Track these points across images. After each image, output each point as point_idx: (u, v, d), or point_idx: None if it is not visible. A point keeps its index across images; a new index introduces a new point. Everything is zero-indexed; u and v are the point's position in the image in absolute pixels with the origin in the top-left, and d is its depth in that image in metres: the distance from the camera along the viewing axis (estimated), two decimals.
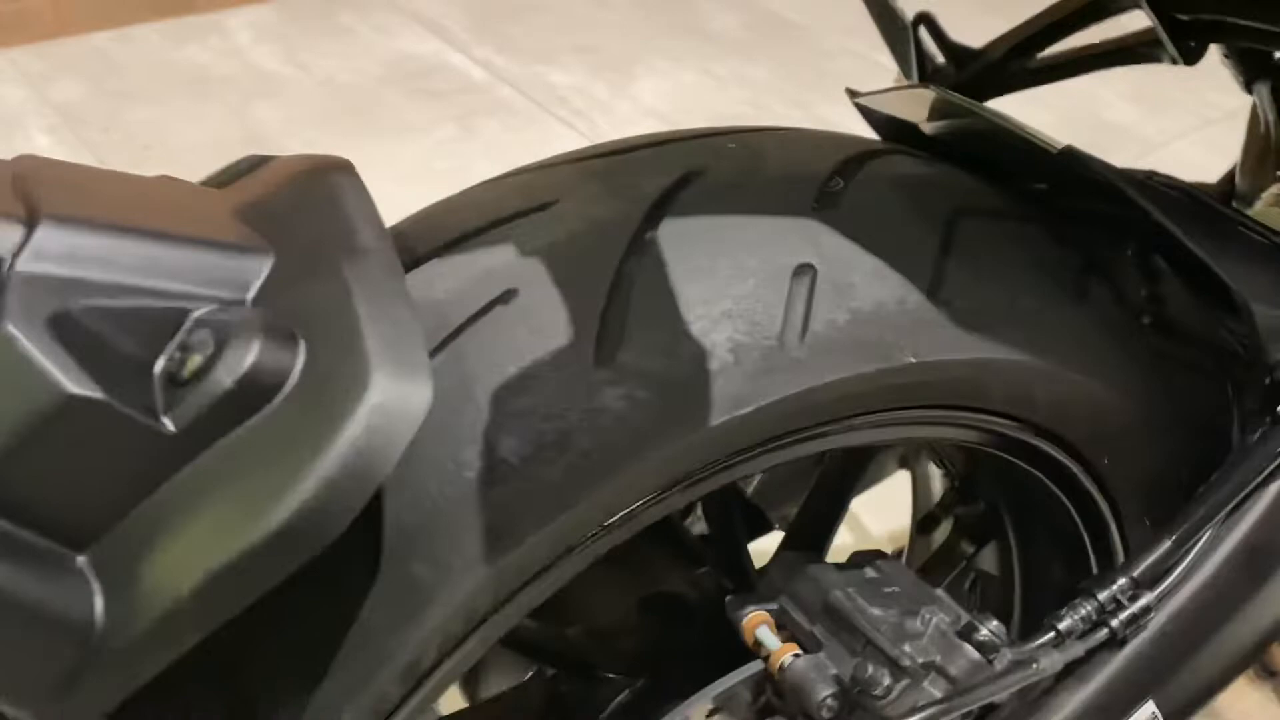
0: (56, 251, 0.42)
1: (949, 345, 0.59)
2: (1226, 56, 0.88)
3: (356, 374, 0.42)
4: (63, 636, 0.40)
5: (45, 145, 2.15)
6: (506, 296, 0.53)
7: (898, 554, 0.97)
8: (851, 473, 0.79)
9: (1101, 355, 0.68)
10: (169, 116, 2.27)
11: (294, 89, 2.42)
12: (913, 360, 0.57)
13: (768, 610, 0.67)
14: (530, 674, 0.76)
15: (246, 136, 2.23)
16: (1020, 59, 0.93)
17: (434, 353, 0.51)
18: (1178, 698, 0.72)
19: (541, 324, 0.52)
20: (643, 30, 2.78)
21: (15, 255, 0.41)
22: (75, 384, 0.40)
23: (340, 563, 0.48)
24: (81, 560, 0.42)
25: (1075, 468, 0.71)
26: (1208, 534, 0.70)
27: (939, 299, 0.59)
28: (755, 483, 0.94)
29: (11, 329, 0.39)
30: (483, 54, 2.62)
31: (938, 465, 0.89)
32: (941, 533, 0.95)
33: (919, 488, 0.98)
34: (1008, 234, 0.65)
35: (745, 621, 0.66)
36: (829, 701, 0.61)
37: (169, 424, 0.42)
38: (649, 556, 0.84)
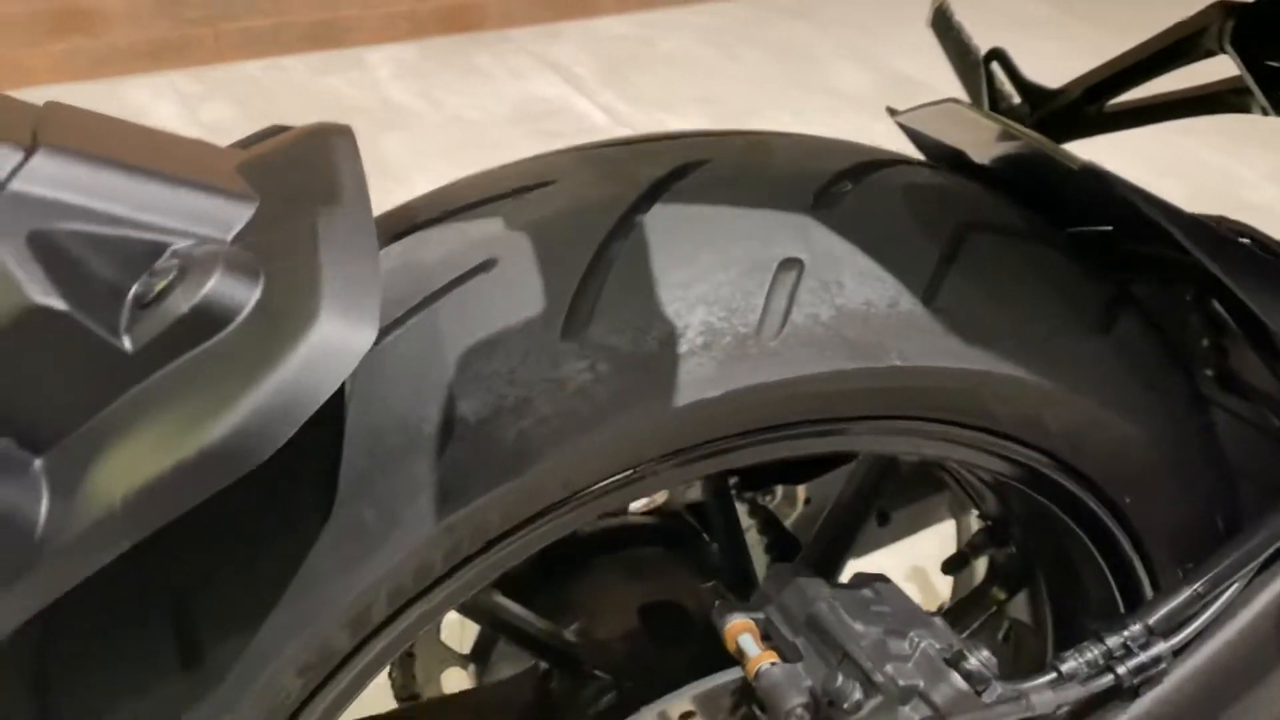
0: (48, 177, 0.45)
1: (939, 353, 0.57)
2: None
3: (306, 311, 0.44)
4: (8, 531, 0.43)
5: None
6: (487, 265, 0.54)
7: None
8: (870, 495, 0.77)
9: (1123, 389, 0.65)
10: None
11: (423, 123, 2.52)
12: (898, 363, 0.56)
13: (753, 619, 0.65)
14: (525, 668, 0.76)
15: (371, 163, 2.33)
16: (1098, 101, 0.90)
17: (411, 313, 0.53)
18: None
19: (517, 294, 0.53)
20: (769, 85, 2.81)
21: (9, 177, 0.44)
22: (42, 295, 0.43)
23: (292, 499, 0.50)
24: (38, 464, 0.44)
25: (1096, 505, 0.68)
26: (1234, 587, 0.65)
27: (934, 306, 0.57)
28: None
29: None
30: (606, 99, 2.69)
31: (967, 503, 0.86)
32: (973, 577, 0.91)
33: (963, 536, 0.94)
34: (1025, 256, 0.63)
35: (728, 628, 0.65)
36: (798, 711, 0.59)
37: (127, 343, 0.44)
38: (660, 565, 0.83)
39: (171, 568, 0.50)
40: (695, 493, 0.94)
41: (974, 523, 0.88)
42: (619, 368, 0.52)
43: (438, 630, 0.89)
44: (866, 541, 0.90)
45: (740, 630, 0.65)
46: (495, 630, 0.74)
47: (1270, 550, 0.65)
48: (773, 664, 0.62)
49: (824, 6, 3.26)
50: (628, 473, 0.55)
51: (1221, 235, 0.72)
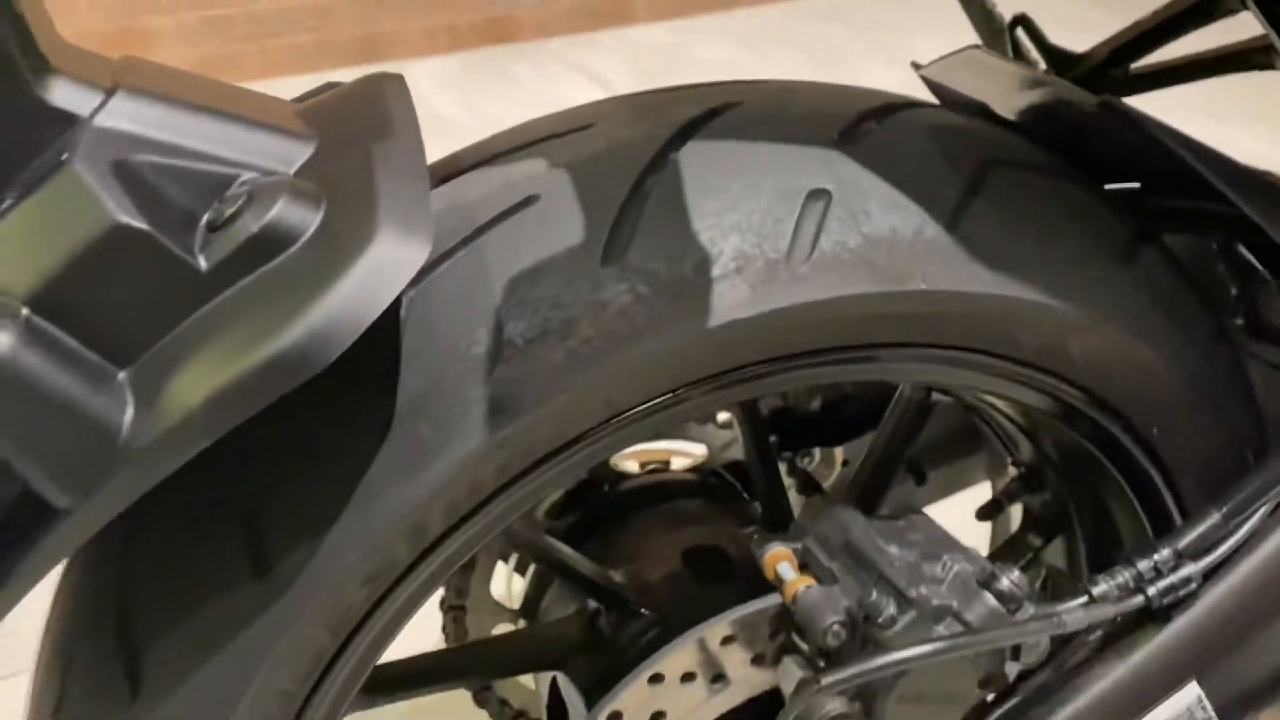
0: (128, 114, 0.49)
1: (964, 278, 0.60)
2: None
3: (364, 231, 0.47)
4: (98, 437, 0.47)
5: None
6: (529, 201, 0.57)
7: None
8: (908, 433, 0.79)
9: (1147, 320, 0.67)
10: None
11: (462, 130, 2.57)
12: (923, 287, 0.58)
13: (791, 548, 0.68)
14: (576, 608, 0.79)
15: None
16: (1123, 64, 0.92)
17: (459, 246, 0.56)
18: (1227, 688, 0.68)
19: (559, 226, 0.56)
20: None
21: (94, 113, 0.49)
22: (125, 215, 0.47)
23: (354, 417, 0.54)
24: (122, 377, 0.48)
25: (1125, 438, 0.70)
26: (1262, 511, 0.67)
27: (958, 234, 0.60)
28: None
29: (79, 167, 0.47)
30: None
31: (1003, 455, 0.88)
32: (1008, 525, 0.93)
33: (998, 486, 0.96)
34: (1047, 190, 0.65)
35: (767, 557, 0.67)
36: (835, 628, 0.61)
37: (201, 262, 0.48)
38: (701, 515, 0.86)
39: (243, 482, 0.54)
40: (735, 452, 0.97)
41: (1010, 471, 0.89)
42: (657, 290, 0.55)
43: (488, 584, 0.92)
44: (903, 502, 0.92)
45: (779, 559, 0.67)
46: (551, 570, 0.77)
47: None
48: (809, 587, 0.64)
49: (856, 9, 3.29)
50: (666, 396, 0.58)
51: (1250, 171, 0.74)
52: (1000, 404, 0.78)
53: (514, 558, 0.95)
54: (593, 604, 0.77)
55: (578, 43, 3.07)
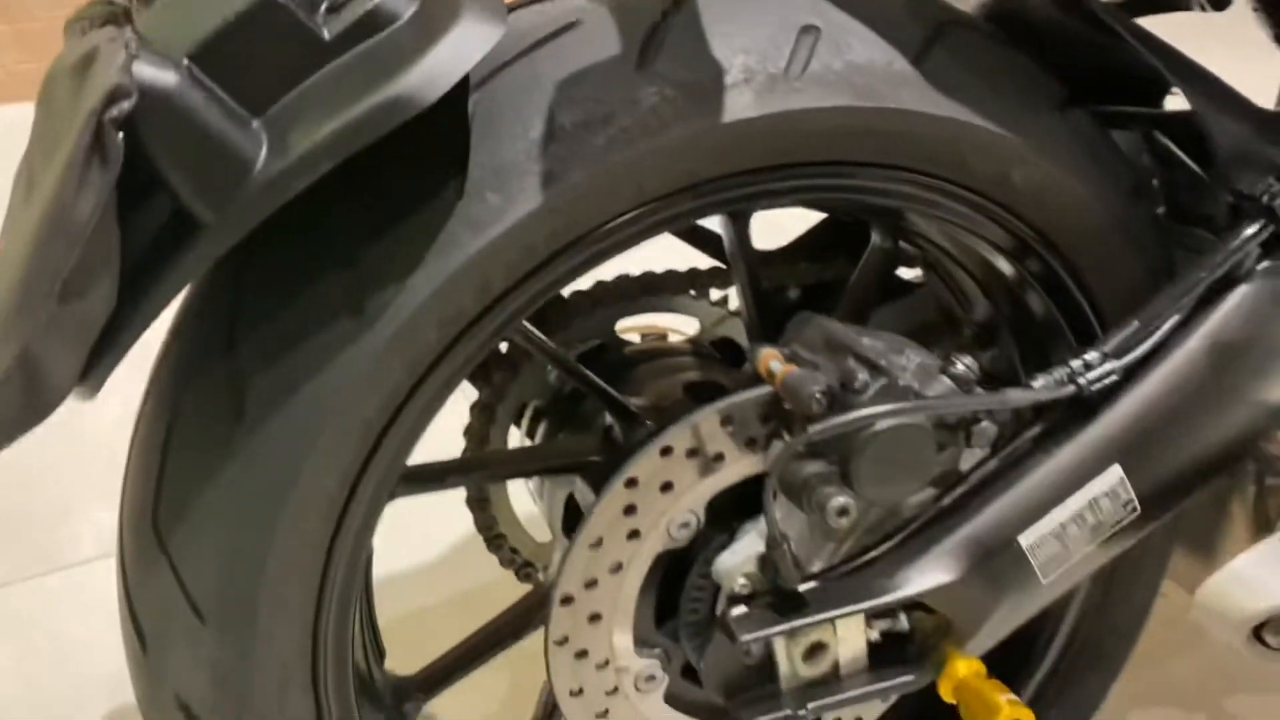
0: None
1: (929, 101, 0.73)
2: (1256, 9, 0.99)
3: (452, 14, 0.60)
4: (238, 165, 0.58)
5: None
6: (573, 25, 0.70)
7: None
8: (890, 261, 0.92)
9: (1078, 161, 0.80)
10: None
11: None
12: (894, 106, 0.72)
13: (780, 351, 0.80)
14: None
15: None
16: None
17: (514, 59, 0.69)
18: (1147, 473, 0.81)
19: (598, 43, 0.69)
20: None
21: None
22: None
23: (435, 184, 0.66)
24: (257, 123, 0.60)
25: (1056, 264, 0.83)
26: (1174, 319, 0.80)
27: (922, 69, 0.73)
28: None
29: None
30: None
31: (957, 307, 1.00)
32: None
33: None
34: (996, 51, 0.79)
35: (759, 358, 0.79)
36: (818, 395, 0.73)
37: (325, 33, 0.60)
38: (700, 366, 0.99)
39: (344, 235, 0.66)
40: (725, 329, 1.10)
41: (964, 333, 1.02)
42: (681, 92, 0.68)
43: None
44: None
45: (770, 358, 0.79)
46: (580, 386, 0.88)
47: (1202, 287, 0.80)
48: (796, 370, 0.76)
49: None
50: (685, 190, 0.71)
51: (1189, 60, 0.87)
52: (960, 256, 0.91)
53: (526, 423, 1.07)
54: (608, 419, 0.89)
55: None
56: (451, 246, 0.65)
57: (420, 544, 1.54)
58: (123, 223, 0.59)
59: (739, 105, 0.69)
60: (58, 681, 1.32)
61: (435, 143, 0.66)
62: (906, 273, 1.13)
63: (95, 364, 0.62)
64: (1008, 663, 0.94)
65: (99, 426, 1.46)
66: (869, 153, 0.74)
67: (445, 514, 1.26)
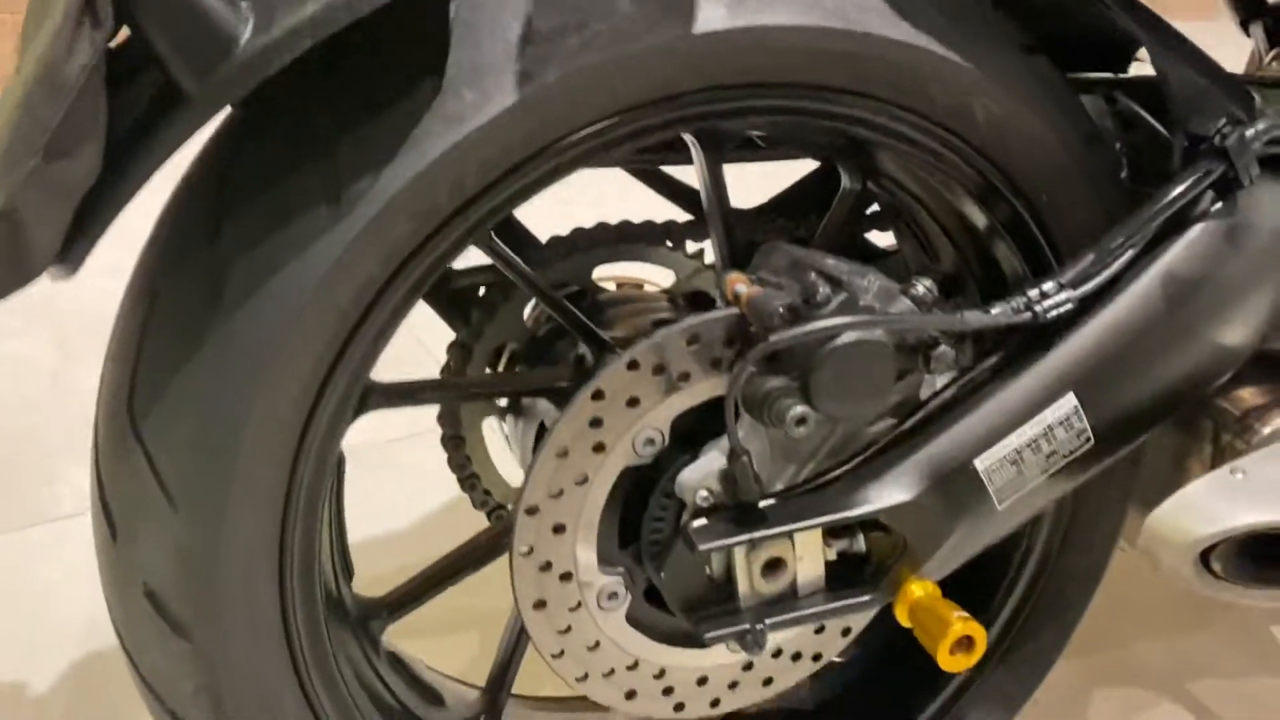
0: None
1: (895, 28, 0.76)
2: None
3: None
4: (224, 40, 0.61)
5: None
6: None
7: None
8: (860, 203, 0.94)
9: (1038, 99, 0.83)
10: None
11: None
12: (860, 30, 0.75)
13: (748, 276, 0.82)
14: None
15: None
16: None
17: None
18: (1101, 405, 0.83)
19: None
20: None
21: None
22: None
23: (414, 80, 0.68)
24: (245, 4, 0.62)
25: (1021, 207, 0.86)
26: (1129, 253, 0.83)
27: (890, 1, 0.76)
28: None
29: None
30: None
31: (924, 255, 1.03)
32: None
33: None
34: None
35: (726, 282, 0.82)
36: (781, 310, 0.75)
37: None
38: (671, 307, 1.01)
39: (326, 124, 0.68)
40: (698, 282, 1.12)
41: None
42: (656, 1, 0.71)
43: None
44: None
45: (736, 281, 0.82)
46: (560, 320, 0.90)
47: (1159, 221, 0.83)
48: (761, 291, 0.79)
49: None
50: (660, 99, 0.73)
51: (1153, 13, 0.90)
52: (929, 201, 0.93)
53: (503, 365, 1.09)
54: (581, 348, 0.91)
55: None
56: (427, 140, 0.68)
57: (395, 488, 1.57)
58: (111, 99, 0.61)
59: (710, 16, 0.71)
60: (36, 626, 1.34)
61: (417, 43, 0.69)
62: (879, 241, 1.16)
63: (77, 236, 0.64)
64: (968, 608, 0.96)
65: (86, 389, 1.48)
66: (837, 77, 0.77)
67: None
